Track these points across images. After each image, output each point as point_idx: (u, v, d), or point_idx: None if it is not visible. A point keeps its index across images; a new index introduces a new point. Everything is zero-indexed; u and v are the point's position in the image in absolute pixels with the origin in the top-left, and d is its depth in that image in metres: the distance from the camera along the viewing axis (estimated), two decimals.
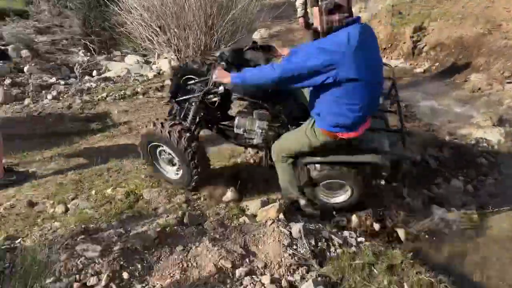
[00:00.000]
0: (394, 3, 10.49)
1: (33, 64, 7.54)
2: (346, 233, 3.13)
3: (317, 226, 3.11)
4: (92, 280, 2.35)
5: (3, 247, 2.55)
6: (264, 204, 3.29)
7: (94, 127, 5.36)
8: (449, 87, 6.92)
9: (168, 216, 3.04)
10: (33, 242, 2.67)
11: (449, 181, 3.98)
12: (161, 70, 7.77)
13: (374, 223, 3.29)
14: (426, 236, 3.26)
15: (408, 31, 8.87)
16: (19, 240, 2.78)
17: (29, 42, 8.74)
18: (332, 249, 2.88)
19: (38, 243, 2.27)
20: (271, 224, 2.87)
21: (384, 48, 9.24)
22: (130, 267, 2.48)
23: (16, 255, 2.44)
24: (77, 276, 2.39)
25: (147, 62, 8.48)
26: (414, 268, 2.70)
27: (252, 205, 3.28)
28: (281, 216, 3.00)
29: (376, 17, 10.35)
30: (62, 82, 6.93)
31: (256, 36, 11.72)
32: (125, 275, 2.42)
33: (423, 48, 8.53)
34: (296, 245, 2.77)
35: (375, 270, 2.66)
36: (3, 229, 2.99)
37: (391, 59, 8.80)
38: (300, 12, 5.71)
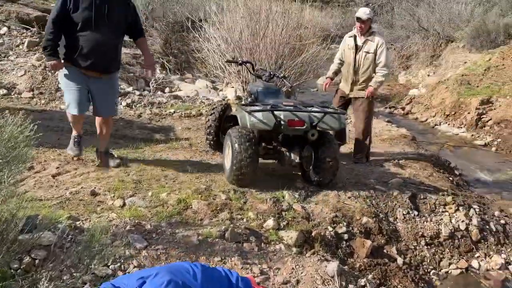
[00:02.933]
0: (465, 73, 10.47)
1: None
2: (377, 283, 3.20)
3: (351, 270, 3.21)
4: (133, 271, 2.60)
5: (66, 224, 2.88)
6: (303, 237, 3.44)
7: (158, 137, 5.80)
8: (508, 165, 6.76)
9: (212, 228, 3.27)
10: (91, 225, 2.98)
11: (490, 255, 3.92)
12: (226, 97, 8.24)
13: None
14: None
15: (475, 102, 8.81)
16: (79, 222, 3.12)
17: None
18: None
19: (97, 227, 2.55)
20: (310, 256, 3.00)
21: (447, 115, 9.19)
22: None
23: (77, 233, 2.76)
24: (123, 265, 2.66)
25: (215, 88, 9.02)
26: None
27: (291, 235, 3.43)
28: (321, 250, 3.13)
29: (444, 83, 10.37)
30: (137, 92, 7.55)
31: (320, 81, 12.08)
32: None
33: (487, 121, 8.41)
34: (328, 282, 2.88)
35: None
36: (66, 210, 3.35)
37: (453, 126, 8.73)
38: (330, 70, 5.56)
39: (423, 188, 4.61)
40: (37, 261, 2.43)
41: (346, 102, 5.39)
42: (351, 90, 5.23)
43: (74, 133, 4.16)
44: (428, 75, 13.09)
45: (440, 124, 8.97)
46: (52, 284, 2.08)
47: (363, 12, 5.04)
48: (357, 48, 5.09)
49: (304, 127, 3.95)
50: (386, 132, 6.89)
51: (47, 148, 4.52)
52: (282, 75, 5.03)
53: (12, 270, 2.34)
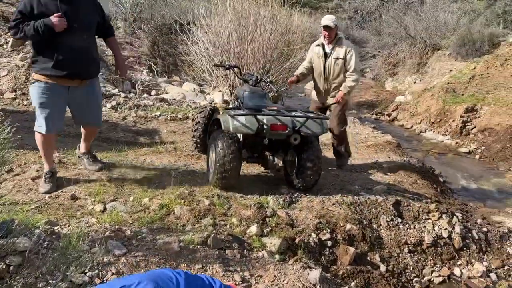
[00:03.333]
0: (450, 81, 10.61)
1: (99, 74, 8.20)
2: None
3: (333, 278, 3.19)
4: (111, 279, 2.54)
5: (43, 229, 2.81)
6: (286, 244, 3.42)
7: (143, 140, 5.73)
8: (491, 173, 6.85)
9: (194, 234, 3.22)
10: (70, 231, 2.91)
11: (472, 263, 3.94)
12: (213, 101, 8.20)
13: None
14: None
15: (460, 110, 8.93)
16: (58, 227, 3.05)
17: (99, 53, 9.52)
18: None
19: (74, 233, 2.49)
20: (293, 263, 2.98)
21: (432, 122, 9.30)
22: None
23: (55, 238, 2.69)
24: (100, 273, 2.60)
25: (202, 92, 8.97)
26: None
27: (274, 241, 3.40)
28: (304, 257, 3.10)
29: (430, 90, 10.49)
30: (123, 94, 7.47)
31: (308, 87, 12.12)
32: None
33: (471, 129, 8.52)
34: None
35: None
36: (45, 214, 3.27)
37: (438, 133, 8.83)
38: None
39: (407, 195, 4.64)
40: (11, 268, 2.35)
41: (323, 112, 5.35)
42: (325, 100, 5.21)
43: (46, 167, 3.75)
44: (415, 82, 13.25)
45: (425, 131, 9.07)
46: None
47: (330, 20, 4.96)
48: (326, 56, 5.05)
49: (287, 131, 3.96)
50: (372, 138, 6.92)
51: (28, 151, 4.42)
52: (268, 80, 5.03)
53: None
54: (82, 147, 4.19)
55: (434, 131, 8.99)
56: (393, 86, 13.93)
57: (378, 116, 10.37)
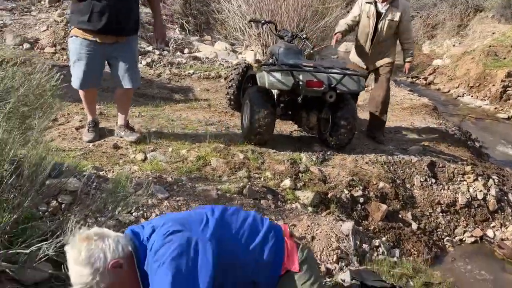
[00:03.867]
0: (492, 44, 10.12)
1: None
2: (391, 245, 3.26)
3: (365, 231, 3.26)
4: None
5: (91, 172, 2.97)
6: (319, 198, 3.49)
7: (178, 97, 5.83)
8: None
9: (230, 184, 3.33)
10: (115, 175, 3.06)
11: (506, 226, 3.93)
12: (245, 60, 8.16)
13: None
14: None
15: (501, 75, 8.56)
16: (103, 172, 3.21)
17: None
18: (375, 254, 3.01)
19: (121, 175, 2.63)
20: (326, 215, 3.05)
21: (471, 87, 8.98)
22: None
23: (102, 181, 2.85)
24: (145, 213, 2.75)
25: (234, 51, 8.92)
26: None
27: (307, 195, 3.48)
28: (336, 211, 3.17)
29: (470, 53, 10.06)
30: (157, 52, 7.53)
31: (341, 48, 11.84)
32: None
33: None
34: (343, 240, 2.93)
35: (411, 283, 2.75)
36: (90, 161, 3.44)
37: (476, 98, 8.54)
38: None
39: (442, 157, 4.58)
40: (63, 205, 2.53)
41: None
42: (371, 63, 4.78)
43: (89, 118, 3.83)
44: (454, 45, 12.70)
45: (463, 96, 8.78)
46: (77, 227, 2.17)
47: None
48: (378, 16, 4.52)
49: (323, 88, 3.93)
50: (407, 100, 6.78)
51: (70, 102, 4.58)
52: (304, 36, 4.94)
53: (40, 212, 2.44)
54: (118, 119, 3.98)
55: (472, 96, 8.68)
56: (431, 49, 13.41)
57: (413, 80, 10.07)
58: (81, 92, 3.73)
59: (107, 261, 1.57)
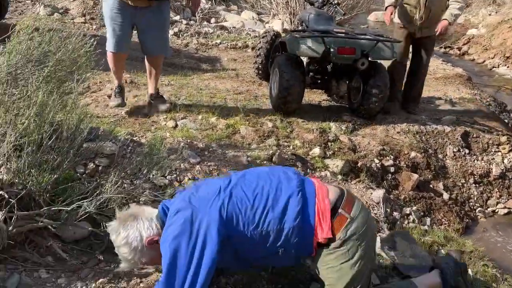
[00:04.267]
0: None
1: None
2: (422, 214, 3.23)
3: (396, 199, 3.24)
4: (188, 183, 2.74)
5: (126, 137, 3.03)
6: (349, 166, 3.47)
7: (205, 67, 5.83)
8: None
9: (259, 151, 3.34)
10: (148, 141, 3.12)
11: None
12: (273, 30, 8.03)
13: None
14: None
15: None
16: (136, 137, 3.27)
17: None
18: (406, 222, 3.00)
19: (156, 139, 2.68)
20: (356, 183, 3.04)
21: (507, 57, 8.60)
22: None
23: (136, 145, 2.91)
24: (178, 177, 2.80)
25: (261, 20, 8.79)
26: (482, 260, 2.73)
27: (337, 163, 3.46)
28: (366, 179, 3.16)
29: (507, 22, 9.60)
30: (184, 22, 7.52)
31: (371, 17, 11.49)
32: None
33: None
34: (374, 208, 2.92)
35: (442, 251, 2.74)
36: (123, 127, 3.51)
37: None
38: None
39: (476, 127, 4.45)
40: (100, 168, 2.60)
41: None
42: (418, 29, 4.34)
43: (115, 83, 3.85)
44: (490, 14, 12.11)
45: (498, 67, 8.43)
46: (114, 188, 2.23)
47: None
48: None
49: (354, 55, 3.83)
50: (441, 70, 6.57)
51: (101, 71, 4.62)
52: (335, 1, 4.80)
53: (78, 174, 2.52)
54: (149, 88, 3.97)
55: (508, 67, 8.33)
56: (465, 18, 12.84)
57: (447, 50, 9.72)
58: (110, 56, 3.68)
59: (143, 240, 1.70)
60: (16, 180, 2.12)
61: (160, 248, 1.66)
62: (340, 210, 1.72)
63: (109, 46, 3.63)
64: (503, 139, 4.18)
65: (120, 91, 3.85)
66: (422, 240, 2.77)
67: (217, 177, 2.02)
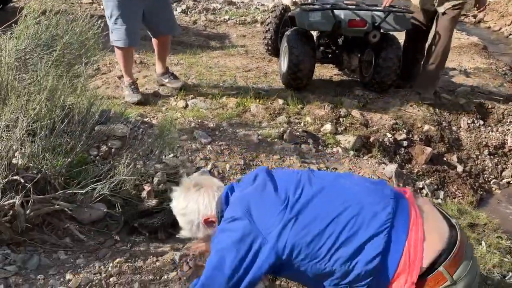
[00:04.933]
0: None
1: None
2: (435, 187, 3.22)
3: (409, 173, 3.23)
4: (200, 163, 2.77)
5: (136, 119, 3.05)
6: (361, 142, 3.45)
7: (214, 44, 5.77)
8: None
9: (270, 129, 3.34)
10: (159, 122, 3.14)
11: None
12: (282, 4, 7.87)
13: None
14: None
15: None
16: (147, 119, 3.29)
17: None
18: (418, 195, 2.98)
19: (167, 120, 2.69)
20: (368, 159, 3.03)
21: None
22: (231, 161, 2.84)
23: (148, 126, 2.93)
24: (190, 157, 2.82)
25: None
26: (496, 232, 2.72)
27: (348, 139, 3.44)
28: (378, 155, 3.14)
29: None
30: None
31: None
32: (226, 166, 2.79)
33: None
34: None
35: None
36: (134, 108, 3.53)
37: None
38: None
39: (491, 98, 4.36)
40: (113, 150, 2.64)
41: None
42: (436, 3, 3.92)
43: (127, 80, 3.69)
44: None
45: None
46: (127, 170, 2.26)
47: None
48: None
49: (366, 27, 3.75)
50: (455, 40, 6.36)
51: (110, 52, 4.62)
52: None
53: (91, 157, 2.56)
54: (158, 67, 3.92)
55: None
56: None
57: (462, 18, 9.41)
58: (120, 52, 3.54)
59: (200, 216, 1.58)
60: (31, 165, 2.16)
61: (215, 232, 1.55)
62: (440, 268, 1.32)
63: (120, 41, 3.42)
64: None
65: (136, 86, 3.70)
66: None
67: (290, 171, 1.70)
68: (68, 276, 1.94)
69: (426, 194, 3.04)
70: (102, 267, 2.02)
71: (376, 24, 3.75)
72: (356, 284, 1.37)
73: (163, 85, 3.94)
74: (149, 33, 3.78)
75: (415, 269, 1.31)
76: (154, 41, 3.82)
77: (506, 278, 2.33)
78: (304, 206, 1.40)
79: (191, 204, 1.58)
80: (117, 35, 3.43)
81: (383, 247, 1.33)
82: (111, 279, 1.95)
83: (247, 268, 1.40)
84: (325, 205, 1.40)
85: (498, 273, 2.34)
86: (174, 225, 2.09)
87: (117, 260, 2.06)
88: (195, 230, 1.61)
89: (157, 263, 2.08)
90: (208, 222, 1.58)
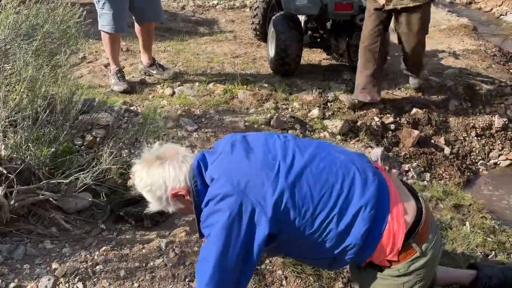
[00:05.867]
0: None
1: None
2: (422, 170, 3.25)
3: (395, 157, 3.25)
4: None
5: (121, 108, 3.04)
6: (348, 126, 3.46)
7: (202, 30, 5.72)
8: None
9: (257, 116, 3.34)
10: (145, 110, 3.13)
11: None
12: None
13: None
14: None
15: None
16: (133, 107, 3.27)
17: None
18: (405, 178, 3.01)
19: (150, 108, 2.69)
20: (354, 143, 3.04)
21: None
22: None
23: (133, 115, 2.92)
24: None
25: None
26: (481, 213, 2.76)
27: (335, 123, 3.45)
28: (365, 138, 3.15)
29: None
30: None
31: None
32: None
33: None
34: None
35: (441, 205, 2.76)
36: (120, 96, 3.51)
37: None
38: None
39: (479, 79, 4.36)
40: (97, 139, 2.63)
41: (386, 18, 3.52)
42: None
43: (113, 68, 3.63)
44: None
45: (506, 14, 8.12)
46: (110, 159, 2.26)
47: None
48: None
49: (352, 11, 3.73)
50: (445, 22, 6.37)
51: (97, 40, 4.58)
52: None
53: (76, 146, 2.56)
54: (144, 58, 3.85)
55: None
56: None
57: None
58: (107, 38, 3.48)
59: (167, 190, 1.48)
60: (15, 155, 2.16)
61: (188, 203, 1.51)
62: (410, 241, 1.42)
63: (108, 26, 3.38)
64: (507, 90, 4.11)
65: (122, 74, 3.65)
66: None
67: (266, 135, 1.57)
68: (54, 265, 1.95)
69: (412, 177, 3.07)
70: (88, 255, 2.03)
71: (362, 7, 3.72)
72: (345, 255, 1.45)
73: (151, 75, 3.90)
74: (134, 19, 3.72)
75: (399, 238, 1.41)
76: (137, 28, 3.76)
77: (489, 257, 2.37)
78: (299, 175, 1.40)
79: (156, 180, 1.48)
80: (104, 20, 3.40)
81: (371, 220, 1.39)
82: (97, 267, 1.97)
83: (250, 241, 1.37)
84: (318, 175, 1.42)
85: (481, 252, 2.38)
86: (160, 213, 2.10)
87: (103, 248, 2.07)
88: (165, 205, 1.54)
89: (143, 251, 2.10)
90: (177, 195, 1.50)
